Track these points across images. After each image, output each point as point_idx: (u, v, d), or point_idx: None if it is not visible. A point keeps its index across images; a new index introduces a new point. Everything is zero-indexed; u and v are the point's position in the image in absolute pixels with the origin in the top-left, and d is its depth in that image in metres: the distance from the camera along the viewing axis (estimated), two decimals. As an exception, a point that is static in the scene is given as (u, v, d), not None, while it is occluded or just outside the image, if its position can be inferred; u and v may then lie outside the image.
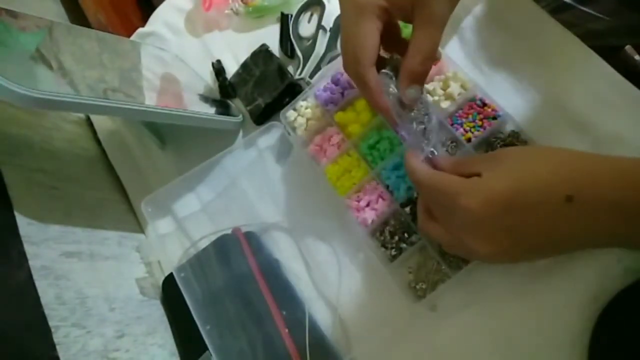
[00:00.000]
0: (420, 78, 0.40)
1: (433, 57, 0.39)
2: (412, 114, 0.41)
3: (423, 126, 0.40)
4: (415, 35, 0.38)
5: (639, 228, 0.30)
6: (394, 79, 0.41)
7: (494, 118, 0.46)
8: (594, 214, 0.30)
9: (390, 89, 0.41)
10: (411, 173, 0.38)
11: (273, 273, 0.52)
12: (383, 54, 0.44)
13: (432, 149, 0.40)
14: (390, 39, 0.43)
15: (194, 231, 0.58)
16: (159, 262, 0.60)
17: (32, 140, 0.58)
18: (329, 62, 0.59)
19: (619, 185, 0.30)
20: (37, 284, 0.42)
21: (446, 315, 0.45)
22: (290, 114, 0.55)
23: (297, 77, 0.59)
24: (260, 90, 0.60)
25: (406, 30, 0.48)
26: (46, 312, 0.41)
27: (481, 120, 0.46)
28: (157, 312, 0.56)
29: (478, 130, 0.46)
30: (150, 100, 0.56)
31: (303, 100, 0.55)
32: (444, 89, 0.49)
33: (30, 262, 0.43)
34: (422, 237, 0.45)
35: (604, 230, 0.31)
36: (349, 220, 0.50)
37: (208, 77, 0.67)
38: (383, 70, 0.42)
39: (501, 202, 0.32)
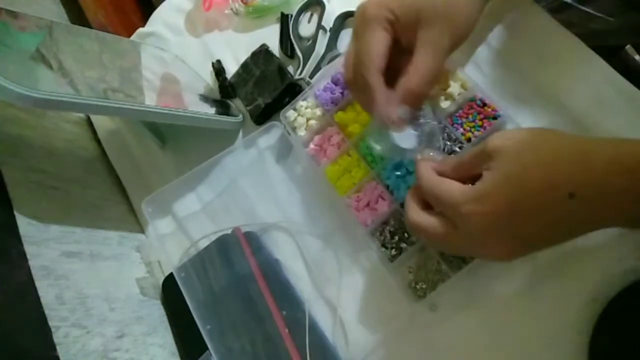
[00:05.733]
0: (415, 100, 0.39)
1: (432, 81, 0.39)
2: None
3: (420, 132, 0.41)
4: (415, 55, 0.38)
5: None
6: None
7: (494, 118, 0.46)
8: (600, 203, 0.31)
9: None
10: (418, 179, 0.39)
11: (273, 273, 0.52)
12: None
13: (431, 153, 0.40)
14: (400, 58, 0.42)
15: (194, 231, 0.58)
16: (159, 262, 0.60)
17: (32, 140, 0.58)
18: (329, 62, 0.59)
19: (622, 170, 0.30)
20: (37, 284, 0.42)
21: (446, 315, 0.45)
22: (290, 114, 0.55)
23: (297, 77, 0.59)
24: (260, 90, 0.60)
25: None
26: (46, 312, 0.41)
27: (481, 120, 0.46)
28: (157, 312, 0.56)
29: (478, 130, 0.46)
30: (150, 100, 0.56)
31: (303, 100, 0.55)
32: (444, 89, 0.49)
33: (30, 262, 0.43)
34: (410, 232, 0.45)
35: (613, 215, 0.32)
36: (349, 220, 0.50)
37: (208, 77, 0.67)
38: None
39: (504, 211, 0.32)
